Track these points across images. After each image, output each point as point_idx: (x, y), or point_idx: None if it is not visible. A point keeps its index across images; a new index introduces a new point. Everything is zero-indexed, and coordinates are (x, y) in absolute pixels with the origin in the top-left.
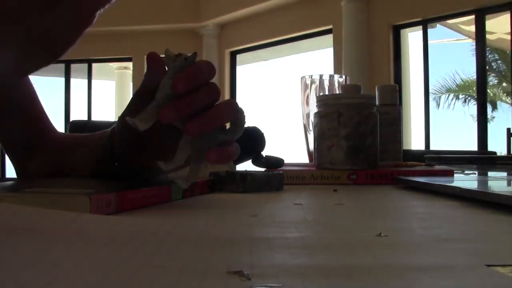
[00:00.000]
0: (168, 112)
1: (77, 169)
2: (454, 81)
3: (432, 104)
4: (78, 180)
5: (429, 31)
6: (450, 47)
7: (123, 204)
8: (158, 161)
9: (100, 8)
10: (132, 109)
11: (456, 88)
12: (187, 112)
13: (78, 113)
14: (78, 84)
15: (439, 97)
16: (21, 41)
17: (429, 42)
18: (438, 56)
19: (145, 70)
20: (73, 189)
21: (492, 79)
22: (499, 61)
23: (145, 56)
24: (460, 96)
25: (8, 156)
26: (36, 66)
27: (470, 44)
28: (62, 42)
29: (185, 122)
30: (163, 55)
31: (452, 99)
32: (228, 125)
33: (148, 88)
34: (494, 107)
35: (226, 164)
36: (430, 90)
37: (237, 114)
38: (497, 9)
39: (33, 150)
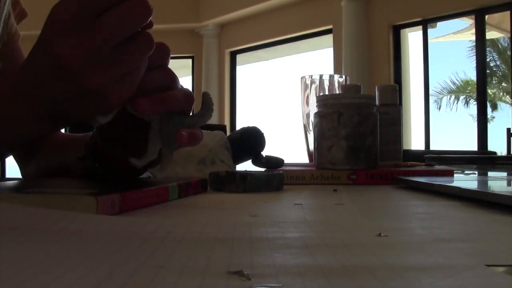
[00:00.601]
0: (142, 101)
1: (71, 169)
2: (454, 83)
3: (433, 106)
4: (74, 181)
5: (429, 30)
6: (450, 45)
7: (126, 204)
8: (130, 158)
9: (119, 106)
10: None
11: (456, 89)
12: (139, 88)
13: None
14: None
15: (441, 99)
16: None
17: (429, 40)
18: (438, 55)
19: None
20: (77, 190)
21: (491, 79)
22: (498, 61)
23: None
24: (461, 97)
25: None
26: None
27: (469, 41)
28: (73, 120)
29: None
30: None
31: (454, 101)
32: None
33: None
34: (494, 107)
35: (196, 145)
36: (431, 92)
37: (192, 105)
38: (497, 9)
39: (33, 150)
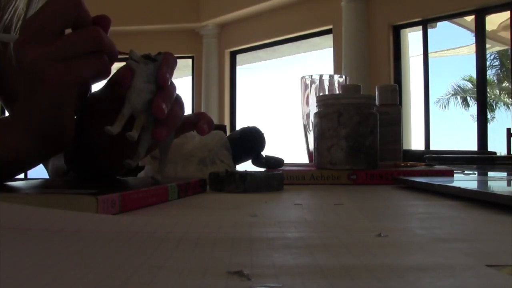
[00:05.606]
0: (162, 132)
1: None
2: (458, 85)
3: (436, 106)
4: (74, 181)
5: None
6: (450, 60)
7: (126, 204)
8: (125, 160)
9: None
10: (101, 114)
11: (459, 90)
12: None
13: None
14: None
15: (447, 100)
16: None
17: (430, 56)
18: (439, 67)
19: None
20: (77, 190)
21: (493, 78)
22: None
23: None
24: (462, 97)
25: None
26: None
27: (471, 56)
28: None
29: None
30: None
31: (459, 101)
32: None
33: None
34: (496, 107)
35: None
36: (436, 95)
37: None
38: (497, 9)
39: None
